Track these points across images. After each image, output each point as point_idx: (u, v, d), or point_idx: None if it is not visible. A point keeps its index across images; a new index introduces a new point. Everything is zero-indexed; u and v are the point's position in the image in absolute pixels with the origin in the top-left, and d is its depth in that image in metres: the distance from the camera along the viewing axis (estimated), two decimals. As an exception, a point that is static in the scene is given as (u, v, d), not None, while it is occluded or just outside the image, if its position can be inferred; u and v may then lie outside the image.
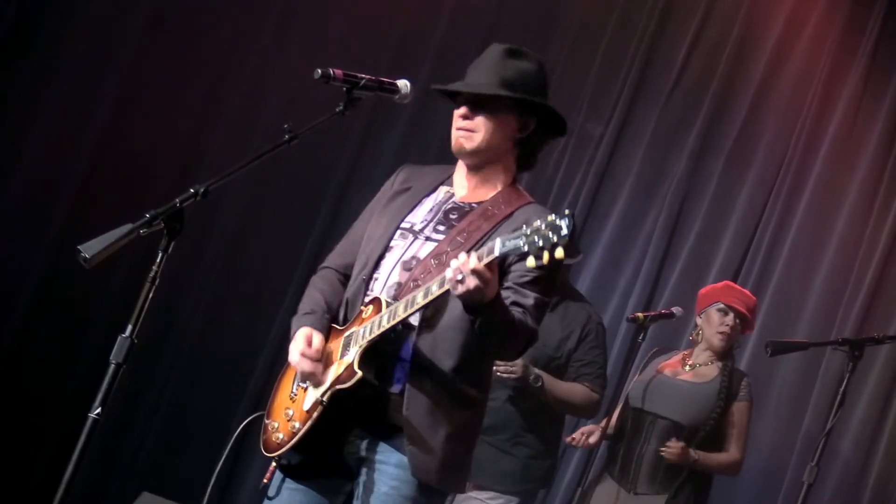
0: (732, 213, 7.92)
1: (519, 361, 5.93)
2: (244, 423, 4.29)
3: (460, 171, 4.08)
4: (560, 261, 3.33)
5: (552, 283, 3.93)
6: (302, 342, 3.87)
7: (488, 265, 3.47)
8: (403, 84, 4.02)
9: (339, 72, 3.84)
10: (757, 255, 7.73)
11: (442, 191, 4.09)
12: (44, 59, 7.80)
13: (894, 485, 7.14)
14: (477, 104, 3.95)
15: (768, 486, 7.31)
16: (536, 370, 6.13)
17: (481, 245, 3.74)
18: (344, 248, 4.20)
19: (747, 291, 6.74)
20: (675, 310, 6.50)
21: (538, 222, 3.34)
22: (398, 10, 8.51)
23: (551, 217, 3.32)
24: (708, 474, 6.32)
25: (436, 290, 3.60)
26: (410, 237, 3.97)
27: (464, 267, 3.45)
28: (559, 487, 7.59)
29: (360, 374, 3.70)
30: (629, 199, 8.21)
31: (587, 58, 8.50)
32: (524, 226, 3.39)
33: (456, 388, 3.80)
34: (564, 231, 3.28)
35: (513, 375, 6.05)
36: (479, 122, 3.94)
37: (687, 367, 6.43)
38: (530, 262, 3.34)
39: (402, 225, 4.00)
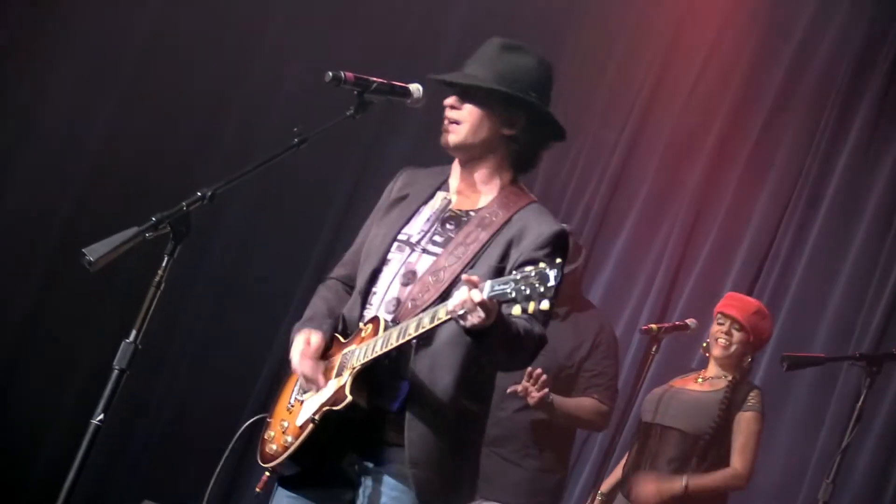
0: (748, 224, 7.90)
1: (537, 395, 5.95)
2: (247, 423, 4.29)
3: (455, 174, 4.07)
4: (546, 312, 3.40)
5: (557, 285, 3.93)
6: (301, 343, 3.89)
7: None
8: (416, 88, 4.02)
9: (350, 75, 3.84)
10: (773, 268, 7.71)
11: (439, 197, 4.08)
12: (48, 58, 7.82)
13: (911, 503, 7.13)
14: (465, 94, 3.97)
15: (783, 502, 7.29)
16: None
17: (477, 260, 3.80)
18: (348, 258, 4.21)
19: (749, 298, 6.68)
20: (690, 322, 6.48)
21: (529, 268, 3.35)
22: (410, 13, 8.52)
23: (542, 265, 3.34)
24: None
25: (427, 325, 3.61)
26: (408, 249, 3.96)
27: (468, 303, 3.44)
28: (569, 503, 7.58)
29: (350, 398, 3.71)
30: (643, 207, 8.20)
31: (603, 63, 8.50)
32: (514, 272, 3.43)
33: (457, 404, 3.80)
34: (552, 283, 3.30)
35: (533, 402, 6.05)
36: (466, 112, 3.96)
37: (699, 380, 6.42)
38: (516, 310, 3.36)
39: (399, 237, 4.00)
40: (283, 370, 7.77)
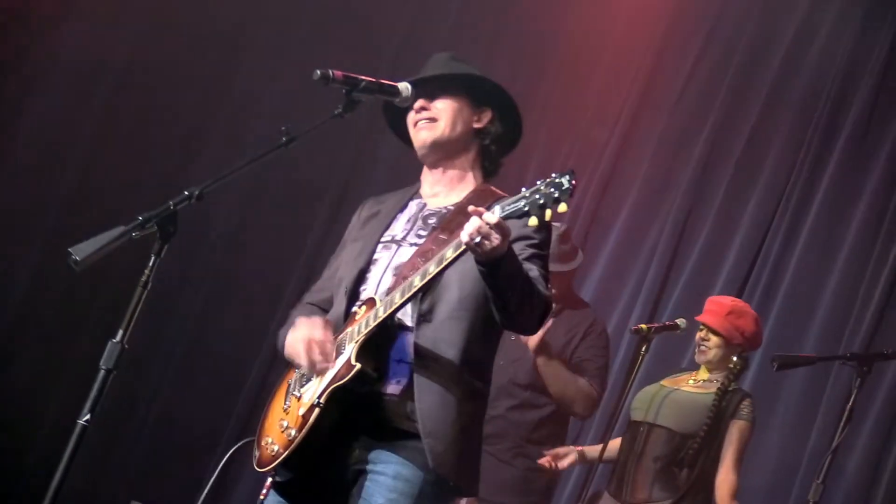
0: (740, 224, 7.92)
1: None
2: (231, 450, 4.26)
3: (427, 180, 4.12)
4: (563, 211, 3.36)
5: (547, 262, 3.93)
6: (305, 322, 3.86)
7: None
8: (404, 87, 4.02)
9: (338, 73, 3.84)
10: (764, 268, 7.73)
11: (413, 204, 4.11)
12: (37, 57, 7.81)
13: (902, 504, 7.14)
14: (432, 95, 4.03)
15: (773, 503, 7.30)
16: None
17: None
18: (321, 285, 4.21)
19: (724, 300, 6.64)
20: (680, 322, 6.48)
21: (538, 183, 3.36)
22: (399, 14, 8.53)
23: (553, 175, 3.35)
24: (710, 484, 6.26)
25: (433, 270, 3.59)
26: (394, 246, 3.98)
27: (484, 224, 3.42)
28: (559, 503, 7.59)
29: (358, 366, 3.67)
30: (634, 207, 8.22)
31: (594, 61, 8.51)
32: (522, 189, 3.41)
33: (463, 378, 3.79)
34: (566, 185, 3.32)
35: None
36: (439, 108, 4.02)
37: (691, 381, 6.42)
38: (532, 220, 3.36)
39: (383, 239, 4.01)
40: (271, 374, 7.81)
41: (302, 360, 3.81)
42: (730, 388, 6.20)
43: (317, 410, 3.74)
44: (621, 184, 8.31)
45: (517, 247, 3.75)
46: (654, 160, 8.23)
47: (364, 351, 3.73)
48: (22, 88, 7.90)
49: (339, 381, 3.72)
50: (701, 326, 6.39)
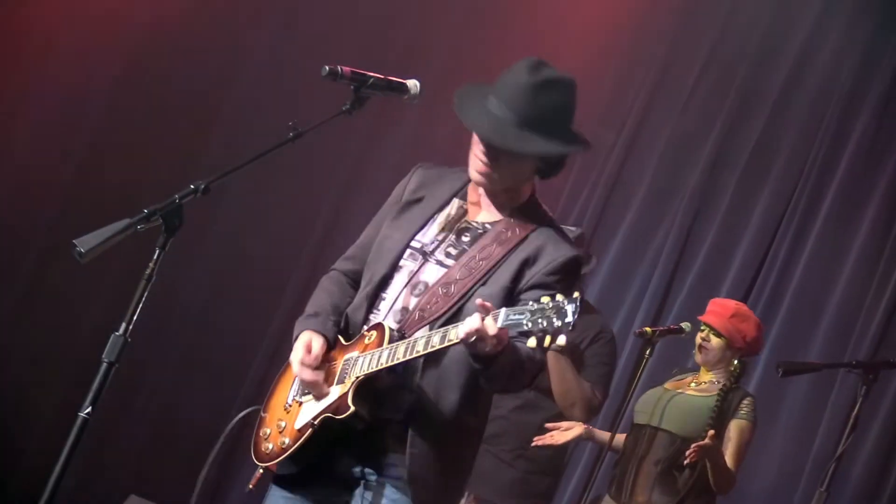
0: (746, 229, 7.90)
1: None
2: (238, 416, 4.26)
3: (474, 186, 3.97)
4: (561, 345, 3.37)
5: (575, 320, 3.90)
6: (301, 350, 3.84)
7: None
8: (413, 84, 3.99)
9: (346, 69, 3.82)
10: (770, 273, 7.72)
11: (455, 205, 4.00)
12: (39, 50, 7.81)
13: (906, 512, 7.13)
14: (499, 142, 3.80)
15: (775, 510, 7.31)
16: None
17: (490, 276, 3.76)
18: (354, 253, 4.14)
19: (729, 302, 6.64)
20: (685, 325, 6.48)
21: (546, 300, 3.34)
22: (406, 12, 8.52)
23: (559, 297, 3.33)
24: (710, 491, 6.25)
25: (437, 345, 3.57)
26: (420, 259, 3.91)
27: (482, 331, 3.42)
28: (559, 505, 7.60)
29: (352, 409, 3.68)
30: (640, 209, 8.21)
31: (603, 61, 8.50)
32: (531, 302, 3.38)
33: (459, 420, 3.79)
34: (570, 318, 3.30)
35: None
36: (501, 166, 3.81)
37: (692, 384, 6.43)
38: (531, 342, 3.35)
39: (413, 244, 3.94)
40: (273, 368, 7.80)
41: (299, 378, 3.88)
42: (730, 390, 6.21)
43: (310, 430, 3.77)
44: (628, 186, 8.29)
45: (533, 294, 3.67)
46: (661, 164, 8.22)
47: (363, 388, 3.73)
48: (25, 78, 7.89)
49: (333, 413, 3.73)
50: (703, 327, 6.39)
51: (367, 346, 3.79)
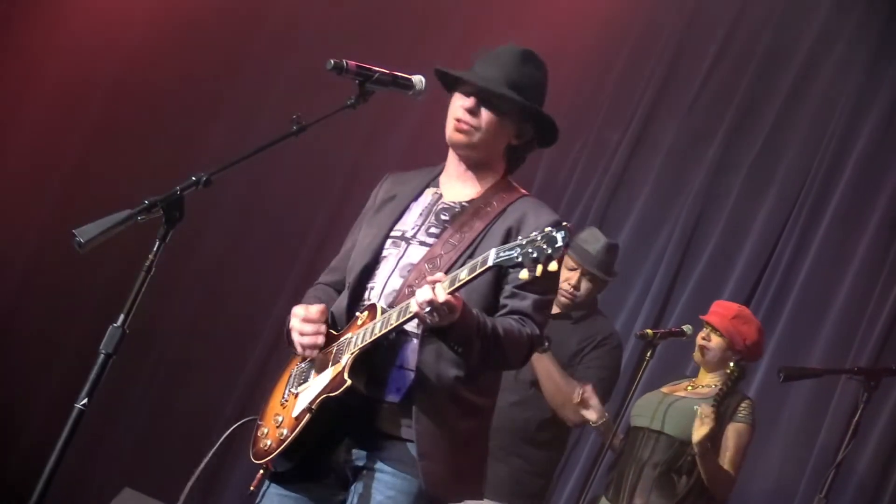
0: (750, 231, 7.89)
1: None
2: (232, 427, 4.27)
3: (448, 171, 4.12)
4: (555, 273, 3.42)
5: (553, 280, 3.95)
6: (301, 309, 3.93)
7: (455, 291, 3.54)
8: (418, 79, 4.02)
9: (352, 63, 3.84)
10: (773, 276, 7.70)
11: (429, 193, 4.11)
12: (41, 40, 7.82)
13: (905, 521, 7.12)
14: (484, 101, 3.98)
15: (774, 517, 7.30)
16: (547, 336, 6.17)
17: (475, 247, 3.82)
18: (336, 265, 4.24)
19: (732, 304, 6.66)
20: (686, 328, 6.48)
21: (534, 233, 3.40)
22: (410, 7, 8.52)
23: (548, 228, 3.39)
24: (708, 491, 6.24)
25: (415, 309, 3.61)
26: (403, 244, 3.99)
27: (435, 299, 3.50)
28: (556, 507, 7.60)
29: (349, 382, 3.71)
30: (643, 210, 8.20)
31: (610, 59, 8.50)
32: (519, 236, 3.46)
33: (462, 397, 3.81)
34: (559, 243, 3.35)
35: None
36: (483, 121, 3.98)
37: (689, 388, 6.44)
38: (523, 273, 3.40)
39: (392, 233, 4.03)
40: (270, 362, 7.81)
41: (297, 348, 3.92)
42: (728, 393, 6.21)
43: (308, 415, 3.78)
44: (632, 186, 8.28)
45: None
46: (666, 164, 8.21)
47: (359, 363, 3.76)
48: (27, 66, 7.90)
49: (330, 392, 3.76)
50: (705, 326, 6.41)
51: (359, 326, 3.83)
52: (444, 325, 3.57)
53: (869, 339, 7.27)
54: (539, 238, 3.37)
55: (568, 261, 6.38)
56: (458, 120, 3.99)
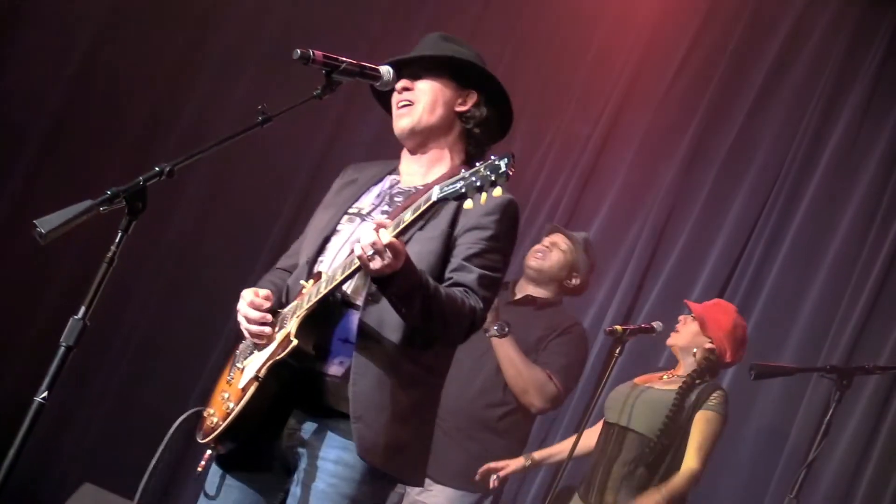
0: (722, 226, 7.92)
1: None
2: (178, 421, 4.27)
3: (406, 160, 4.19)
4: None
5: (502, 255, 3.97)
6: (249, 295, 3.97)
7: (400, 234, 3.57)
8: (386, 70, 4.04)
9: (318, 53, 3.84)
10: (745, 272, 7.73)
11: (388, 179, 4.19)
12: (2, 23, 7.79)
13: (877, 520, 7.15)
14: (416, 76, 4.11)
15: (744, 516, 7.32)
16: (507, 322, 6.18)
17: (429, 220, 3.85)
18: (294, 249, 4.29)
19: (723, 301, 6.78)
20: (656, 324, 6.49)
21: (477, 164, 3.40)
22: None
23: (492, 158, 3.38)
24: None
25: (358, 252, 3.60)
26: (358, 220, 4.05)
27: (379, 241, 3.50)
28: (525, 499, 7.61)
29: (295, 342, 3.72)
30: (614, 204, 8.22)
31: (579, 53, 8.51)
32: (462, 170, 3.45)
33: (402, 365, 3.82)
34: (503, 169, 3.34)
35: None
36: (419, 90, 4.10)
37: (664, 377, 6.46)
38: (467, 203, 3.40)
39: (349, 210, 4.09)
40: (232, 354, 7.79)
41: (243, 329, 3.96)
42: (697, 382, 6.23)
43: (255, 384, 3.79)
44: (602, 180, 8.31)
45: (470, 237, 3.86)
46: (637, 158, 8.24)
47: (305, 327, 3.78)
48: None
49: (276, 356, 3.77)
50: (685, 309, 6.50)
51: (304, 294, 3.86)
52: (387, 272, 3.55)
53: (841, 337, 7.31)
54: (482, 167, 3.37)
55: (549, 236, 6.48)
56: (397, 104, 4.12)
